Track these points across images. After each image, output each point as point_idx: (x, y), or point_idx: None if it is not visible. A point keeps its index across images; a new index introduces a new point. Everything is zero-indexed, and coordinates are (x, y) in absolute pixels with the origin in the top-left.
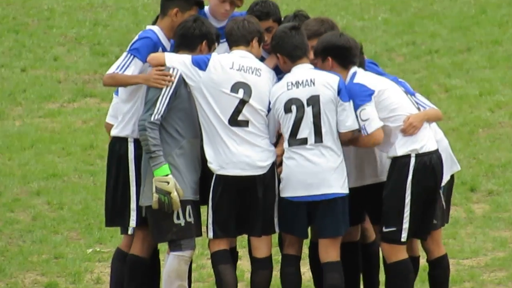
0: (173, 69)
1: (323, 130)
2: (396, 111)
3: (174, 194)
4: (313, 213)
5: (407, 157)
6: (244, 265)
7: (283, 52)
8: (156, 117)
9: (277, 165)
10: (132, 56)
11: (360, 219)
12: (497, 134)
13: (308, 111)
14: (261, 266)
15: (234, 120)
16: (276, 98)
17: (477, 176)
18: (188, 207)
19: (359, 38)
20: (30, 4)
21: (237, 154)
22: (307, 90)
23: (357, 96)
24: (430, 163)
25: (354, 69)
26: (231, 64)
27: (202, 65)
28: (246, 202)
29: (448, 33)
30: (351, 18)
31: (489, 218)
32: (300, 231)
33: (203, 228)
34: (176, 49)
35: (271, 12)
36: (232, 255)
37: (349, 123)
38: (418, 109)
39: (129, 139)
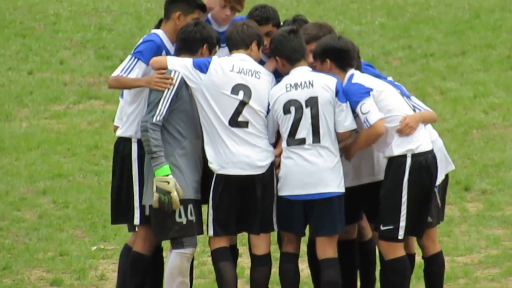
0: (175, 72)
1: (321, 131)
2: (393, 112)
3: (174, 194)
4: (310, 211)
5: (403, 157)
6: (244, 262)
7: (281, 55)
8: (158, 119)
9: (276, 166)
10: (136, 59)
11: (357, 217)
12: (490, 135)
13: (307, 112)
14: (260, 263)
15: (234, 121)
16: (276, 100)
17: (471, 176)
18: (190, 206)
19: (357, 42)
20: (37, 9)
21: (237, 154)
22: (306, 92)
23: (355, 94)
24: (425, 163)
25: (351, 71)
26: (231, 66)
27: (203, 68)
28: (246, 201)
29: (443, 37)
30: (349, 22)
31: (482, 216)
32: (298, 229)
33: (204, 226)
34: (177, 52)
35: (270, 17)
36: (232, 253)
37: (347, 123)
38: (414, 111)
39: (132, 139)
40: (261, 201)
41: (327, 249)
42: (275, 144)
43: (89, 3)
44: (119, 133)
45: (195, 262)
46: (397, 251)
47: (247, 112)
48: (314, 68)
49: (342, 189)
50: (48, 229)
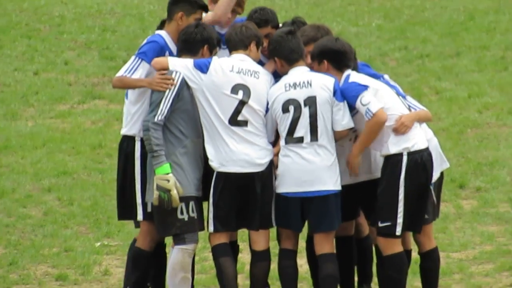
0: (176, 72)
1: (319, 130)
2: (389, 110)
3: (174, 192)
4: (307, 208)
5: (399, 155)
6: (244, 258)
7: (280, 56)
8: (159, 118)
9: (274, 165)
10: (140, 60)
11: (354, 214)
12: (484, 134)
13: (305, 111)
14: (259, 258)
15: (234, 120)
16: (274, 99)
17: (465, 174)
18: (191, 203)
19: (354, 44)
20: (42, 11)
21: (237, 152)
22: (304, 91)
23: (353, 89)
24: (421, 160)
25: (348, 71)
26: (231, 67)
27: (203, 68)
28: (245, 198)
29: (438, 39)
30: (347, 24)
31: (477, 213)
32: (295, 226)
33: (205, 223)
34: (179, 53)
35: (269, 19)
36: (233, 248)
37: (345, 122)
38: (409, 110)
39: (136, 138)
40: (260, 198)
41: (325, 245)
42: (275, 143)
43: (93, 5)
44: (123, 131)
45: (196, 258)
46: (395, 247)
47: (247, 111)
48: (312, 69)
49: (338, 187)
50: (53, 226)
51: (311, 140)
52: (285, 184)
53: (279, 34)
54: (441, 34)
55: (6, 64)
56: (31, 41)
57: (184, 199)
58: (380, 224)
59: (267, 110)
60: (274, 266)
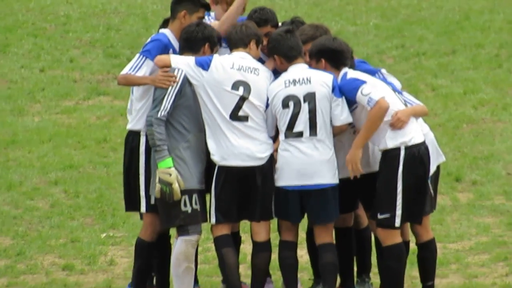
0: (178, 70)
1: (318, 125)
2: None
3: (175, 186)
4: (306, 201)
5: (397, 149)
6: (246, 248)
7: (279, 53)
8: (162, 114)
9: (274, 160)
10: (144, 58)
11: (353, 206)
12: (480, 129)
13: (305, 107)
14: (260, 249)
15: (235, 116)
16: (275, 95)
17: (461, 168)
18: (195, 196)
19: (352, 42)
20: (48, 10)
21: (238, 146)
22: (304, 88)
23: (351, 84)
24: (418, 154)
25: (345, 69)
26: (232, 64)
27: (204, 66)
28: (246, 191)
29: (434, 37)
30: (345, 23)
31: (473, 206)
32: (294, 217)
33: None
34: (181, 51)
35: (269, 18)
36: (235, 239)
37: (343, 117)
38: (405, 105)
39: (141, 133)
40: (261, 190)
41: (324, 235)
42: (275, 138)
43: (98, 5)
44: (129, 126)
45: (199, 249)
46: (394, 238)
47: (247, 107)
48: (310, 66)
49: (336, 180)
50: (60, 217)
51: (310, 134)
52: (285, 178)
53: (278, 33)
54: (437, 32)
55: (13, 61)
56: (37, 40)
57: (187, 191)
58: (379, 216)
59: (267, 105)
60: (275, 256)
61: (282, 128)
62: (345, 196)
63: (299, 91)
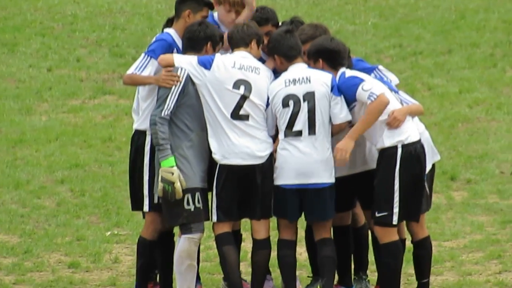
0: (181, 69)
1: (317, 124)
2: None
3: (177, 185)
4: (304, 199)
5: (394, 148)
6: (247, 246)
7: (279, 53)
8: (166, 113)
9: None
10: (149, 57)
11: (351, 205)
12: (475, 128)
13: (304, 106)
14: (260, 246)
15: (236, 114)
16: (275, 94)
17: (456, 166)
18: (197, 194)
19: (351, 41)
20: (56, 10)
21: (238, 145)
22: (304, 87)
23: (351, 81)
24: (415, 152)
25: (342, 69)
26: (233, 63)
27: (207, 65)
28: (246, 189)
29: (431, 37)
30: (344, 22)
31: (467, 204)
32: (292, 215)
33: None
34: (184, 51)
35: (269, 17)
36: (236, 237)
37: (343, 115)
38: (402, 104)
39: (147, 132)
40: (261, 189)
41: (322, 231)
42: (275, 138)
43: (104, 5)
44: (135, 126)
45: (201, 247)
46: (392, 235)
47: (248, 106)
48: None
49: (333, 180)
50: (66, 216)
51: (309, 133)
52: (283, 176)
53: (278, 33)
54: (434, 32)
55: (21, 61)
56: (45, 39)
57: (190, 190)
58: (377, 214)
59: (267, 104)
60: (274, 254)
61: (282, 127)
62: (342, 194)
63: (299, 90)
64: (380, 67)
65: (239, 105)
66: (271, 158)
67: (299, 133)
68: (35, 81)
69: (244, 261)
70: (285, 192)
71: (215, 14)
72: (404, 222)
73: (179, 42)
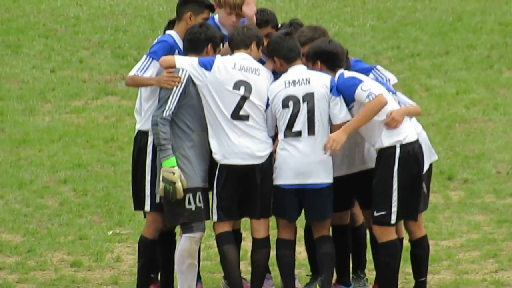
0: (182, 70)
1: (316, 124)
2: None
3: (178, 185)
4: (303, 199)
5: (392, 147)
6: (247, 245)
7: (279, 55)
8: (167, 113)
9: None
10: (151, 59)
11: (350, 204)
12: (472, 128)
13: (304, 107)
14: (260, 245)
15: (236, 115)
16: (275, 95)
17: (454, 166)
18: (198, 194)
19: (350, 43)
20: (59, 12)
21: (239, 145)
22: (303, 88)
23: (350, 81)
24: (413, 152)
25: (340, 71)
26: (233, 64)
27: (207, 66)
28: (246, 189)
29: (428, 38)
30: (343, 24)
31: (464, 204)
32: (290, 215)
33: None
34: (185, 52)
35: (269, 19)
36: (236, 237)
37: (342, 115)
38: (399, 105)
39: (149, 133)
40: (261, 188)
41: (321, 229)
42: (275, 137)
43: (106, 7)
44: (137, 126)
45: (202, 246)
46: (390, 234)
47: (248, 106)
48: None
49: (331, 180)
50: (69, 215)
51: (308, 134)
52: (282, 176)
53: (277, 35)
54: (431, 34)
55: (25, 62)
56: (48, 41)
57: (191, 190)
58: (375, 214)
59: (267, 105)
60: (274, 253)
61: (282, 127)
62: (341, 194)
63: (299, 92)
64: (379, 67)
65: (239, 106)
66: (271, 158)
67: (299, 134)
68: (39, 82)
69: (244, 260)
70: (284, 192)
71: (216, 17)
72: (402, 221)
73: (180, 44)
